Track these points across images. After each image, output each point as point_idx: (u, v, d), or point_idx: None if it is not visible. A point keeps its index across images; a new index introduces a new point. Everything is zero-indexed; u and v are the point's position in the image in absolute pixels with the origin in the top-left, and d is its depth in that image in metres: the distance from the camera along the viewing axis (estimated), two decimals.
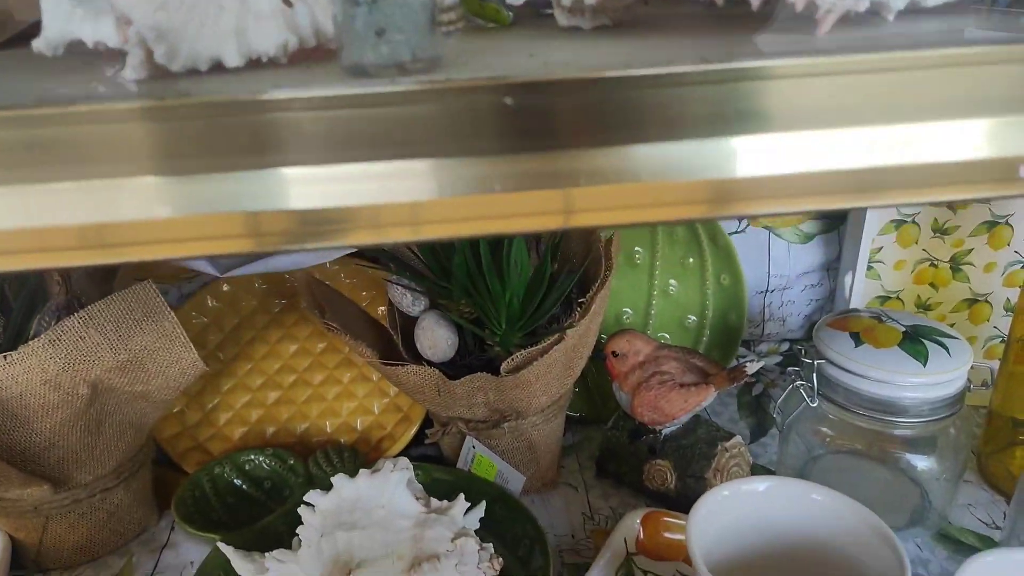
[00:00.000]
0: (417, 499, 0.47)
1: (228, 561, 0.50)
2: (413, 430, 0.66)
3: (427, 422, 0.64)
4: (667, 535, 0.53)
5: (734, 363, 0.66)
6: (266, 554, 0.48)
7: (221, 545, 0.50)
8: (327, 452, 0.62)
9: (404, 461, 0.49)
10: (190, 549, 0.57)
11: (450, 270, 0.53)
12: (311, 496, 0.47)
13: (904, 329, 0.54)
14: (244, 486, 0.61)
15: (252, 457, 0.62)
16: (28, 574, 0.55)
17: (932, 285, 0.69)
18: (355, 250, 0.63)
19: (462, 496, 0.48)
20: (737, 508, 0.44)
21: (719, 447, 0.57)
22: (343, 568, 0.42)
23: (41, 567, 0.55)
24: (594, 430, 0.69)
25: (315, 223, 0.23)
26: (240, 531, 0.54)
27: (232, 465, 0.62)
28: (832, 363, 0.53)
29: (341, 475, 0.46)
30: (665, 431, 0.59)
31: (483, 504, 0.53)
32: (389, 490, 0.45)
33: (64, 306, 0.49)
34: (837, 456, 0.57)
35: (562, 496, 0.62)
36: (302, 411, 0.68)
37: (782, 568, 0.44)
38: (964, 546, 0.54)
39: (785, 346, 0.76)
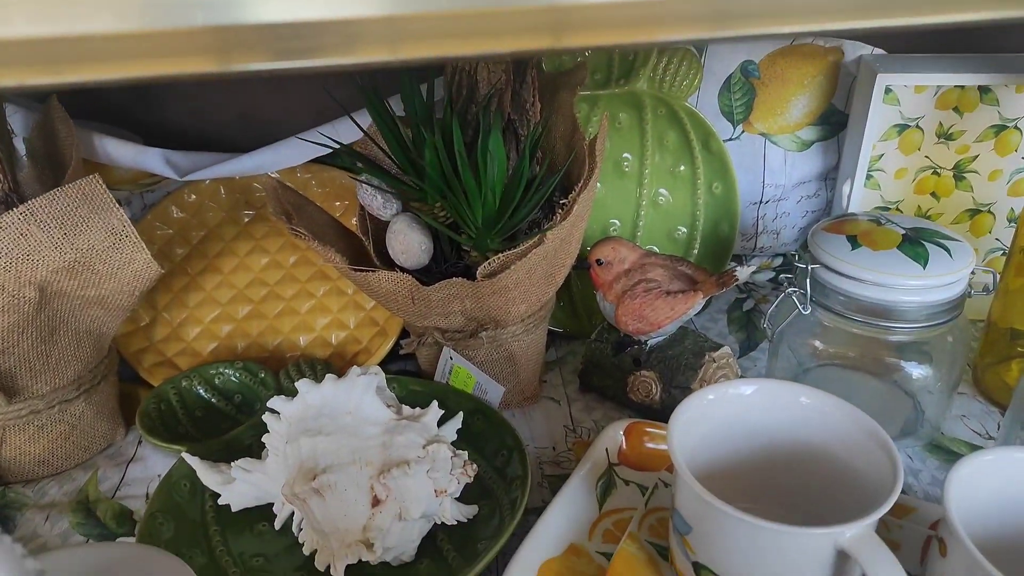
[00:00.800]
0: (388, 407, 0.45)
1: (194, 472, 0.48)
2: (389, 344, 0.63)
3: (404, 336, 0.61)
4: (650, 445, 0.51)
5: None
6: (232, 464, 0.46)
7: (186, 456, 0.48)
8: (299, 365, 0.59)
9: (374, 368, 0.46)
10: (157, 463, 0.55)
11: (422, 168, 0.49)
12: (275, 403, 0.44)
13: (904, 232, 0.51)
14: (213, 400, 0.59)
15: (221, 370, 0.60)
16: None
17: (934, 195, 0.66)
18: (326, 152, 0.59)
19: (435, 403, 0.46)
20: (722, 412, 0.41)
21: (706, 357, 0.54)
22: (308, 474, 0.40)
23: (2, 479, 0.53)
24: (578, 345, 0.67)
25: (284, 38, 0.20)
26: (206, 443, 0.51)
27: (200, 378, 0.59)
28: (827, 267, 0.50)
29: (306, 380, 0.44)
30: (651, 342, 0.56)
31: (460, 416, 0.50)
32: (356, 396, 0.43)
33: (3, 200, 0.45)
34: (828, 369, 0.55)
35: (544, 410, 0.60)
36: (274, 326, 0.65)
37: (769, 475, 0.42)
38: (956, 456, 0.52)
39: (778, 261, 0.73)
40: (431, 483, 0.42)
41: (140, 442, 0.57)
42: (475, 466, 0.43)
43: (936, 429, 0.54)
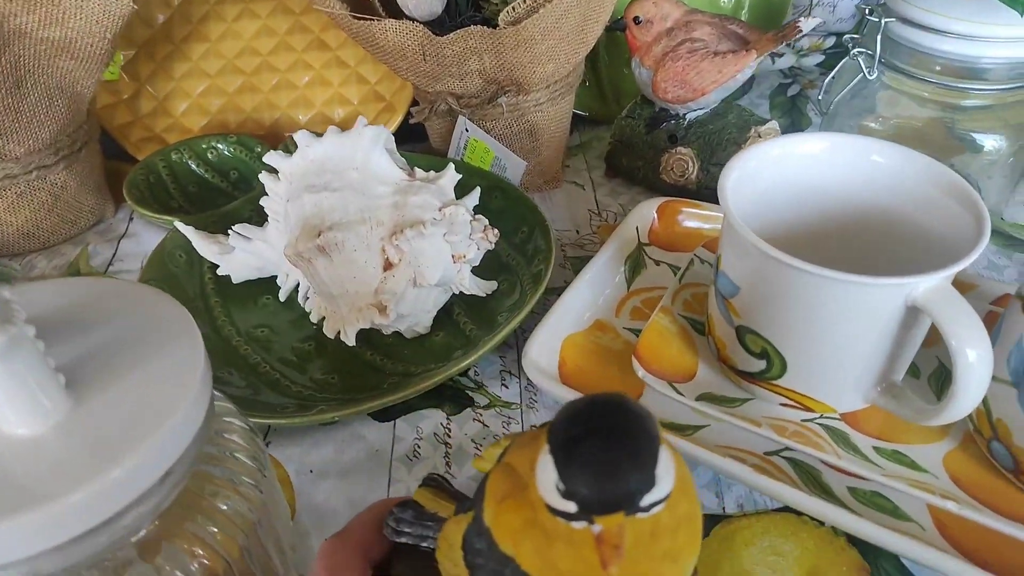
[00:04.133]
0: (400, 168, 0.40)
1: (189, 243, 0.44)
2: (398, 120, 0.57)
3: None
4: (686, 224, 0.47)
5: None
6: (229, 230, 0.42)
7: (179, 224, 0.44)
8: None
9: (381, 127, 0.41)
10: (151, 239, 0.51)
11: None
12: (271, 159, 0.39)
13: None
14: (207, 175, 0.54)
15: (214, 144, 0.55)
16: None
17: None
18: None
19: (452, 166, 0.41)
20: (783, 170, 0.36)
21: (752, 132, 0.49)
22: (313, 231, 0.36)
23: None
24: (603, 131, 0.61)
25: None
26: (201, 215, 0.47)
27: (191, 151, 0.54)
28: (905, 20, 0.43)
29: (305, 132, 0.38)
30: (690, 115, 0.51)
31: (477, 191, 0.46)
32: (363, 149, 0.38)
33: None
34: None
35: (566, 194, 0.55)
36: (270, 101, 0.59)
37: (833, 241, 0.37)
38: (1016, 241, 0.48)
39: (831, 41, 0.65)
40: (448, 247, 0.38)
41: (132, 219, 0.54)
42: (496, 231, 0.39)
43: (997, 214, 0.50)
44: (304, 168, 0.38)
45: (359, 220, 0.37)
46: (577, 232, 0.52)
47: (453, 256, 0.38)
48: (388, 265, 0.37)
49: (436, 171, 0.42)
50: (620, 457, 0.19)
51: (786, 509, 0.34)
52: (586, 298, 0.42)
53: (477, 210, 0.46)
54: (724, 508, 0.34)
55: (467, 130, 0.50)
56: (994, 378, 0.31)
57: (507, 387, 0.41)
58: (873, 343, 0.31)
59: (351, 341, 0.37)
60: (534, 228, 0.46)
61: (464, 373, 0.42)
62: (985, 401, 0.32)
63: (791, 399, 0.35)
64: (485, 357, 0.42)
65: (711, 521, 0.34)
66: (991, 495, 0.31)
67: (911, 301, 0.29)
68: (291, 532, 0.27)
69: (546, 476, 0.20)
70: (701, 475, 0.36)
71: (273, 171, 0.40)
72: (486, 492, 0.23)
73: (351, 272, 0.37)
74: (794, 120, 0.61)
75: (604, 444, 0.19)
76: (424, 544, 0.25)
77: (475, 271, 0.44)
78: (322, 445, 0.37)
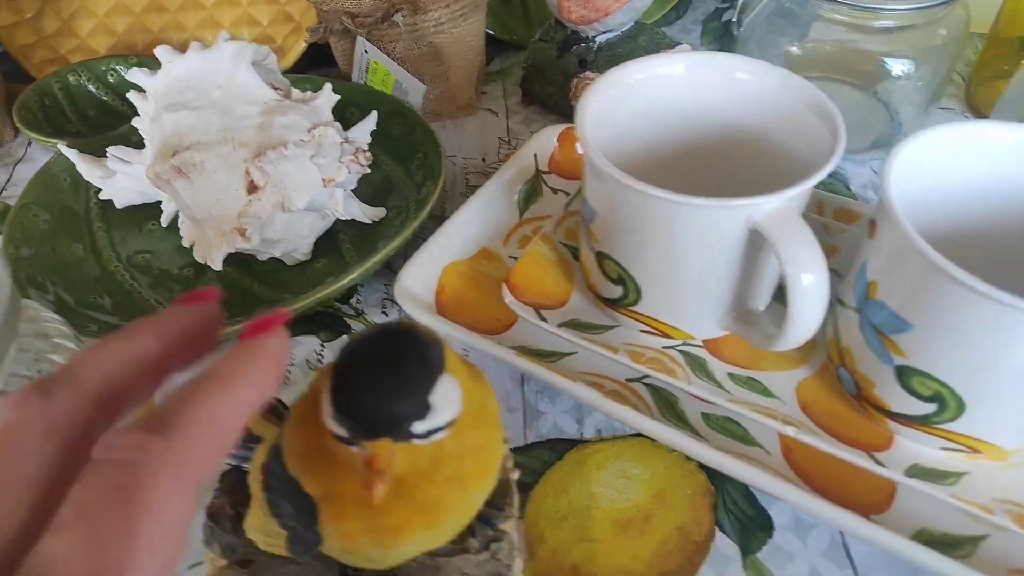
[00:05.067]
0: (275, 88, 0.39)
1: (74, 166, 0.43)
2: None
3: None
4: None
5: None
6: (107, 151, 0.41)
7: (63, 147, 0.43)
8: None
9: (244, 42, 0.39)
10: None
11: None
12: (135, 76, 0.38)
13: None
14: (107, 98, 0.53)
15: (114, 66, 0.53)
16: None
17: None
18: None
19: (329, 86, 0.40)
20: (647, 94, 0.35)
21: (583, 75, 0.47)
22: (169, 151, 0.35)
23: None
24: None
25: None
26: (90, 138, 0.46)
27: (90, 73, 0.52)
28: None
29: (166, 48, 0.37)
30: (600, 38, 0.49)
31: (373, 115, 0.44)
32: (225, 67, 0.36)
33: None
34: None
35: (479, 122, 0.54)
36: (177, 20, 0.57)
37: (698, 165, 0.36)
38: None
39: None
40: (317, 170, 0.37)
41: (30, 144, 0.52)
42: (369, 154, 0.38)
43: None
44: (167, 86, 0.37)
45: (220, 140, 0.36)
46: (483, 160, 0.50)
47: (324, 180, 0.37)
48: (253, 188, 0.36)
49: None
50: (387, 384, 0.19)
51: (641, 435, 0.34)
52: (473, 226, 0.41)
53: (376, 135, 0.45)
54: (583, 433, 0.35)
55: (367, 52, 0.48)
56: (843, 304, 0.31)
57: (387, 315, 0.40)
58: (721, 268, 0.31)
59: (217, 266, 0.37)
60: (428, 156, 0.45)
61: (346, 300, 0.41)
62: (836, 328, 0.32)
63: (651, 326, 0.34)
64: (369, 285, 0.42)
65: (568, 445, 0.34)
66: (835, 421, 0.32)
67: (752, 224, 0.28)
68: None
69: (326, 402, 0.19)
70: (566, 401, 0.36)
71: (141, 90, 0.39)
72: (288, 417, 0.23)
73: (213, 195, 0.36)
74: (724, 46, 0.59)
75: (372, 371, 0.19)
76: (245, 466, 0.25)
77: (366, 198, 0.44)
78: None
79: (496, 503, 0.26)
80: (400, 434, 0.19)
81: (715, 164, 0.36)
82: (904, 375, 0.28)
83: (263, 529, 0.23)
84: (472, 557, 0.25)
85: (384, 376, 0.19)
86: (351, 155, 0.37)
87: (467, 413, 0.21)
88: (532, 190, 0.44)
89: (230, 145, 0.36)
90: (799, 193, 0.28)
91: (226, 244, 0.36)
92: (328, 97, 0.39)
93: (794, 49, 0.47)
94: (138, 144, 0.46)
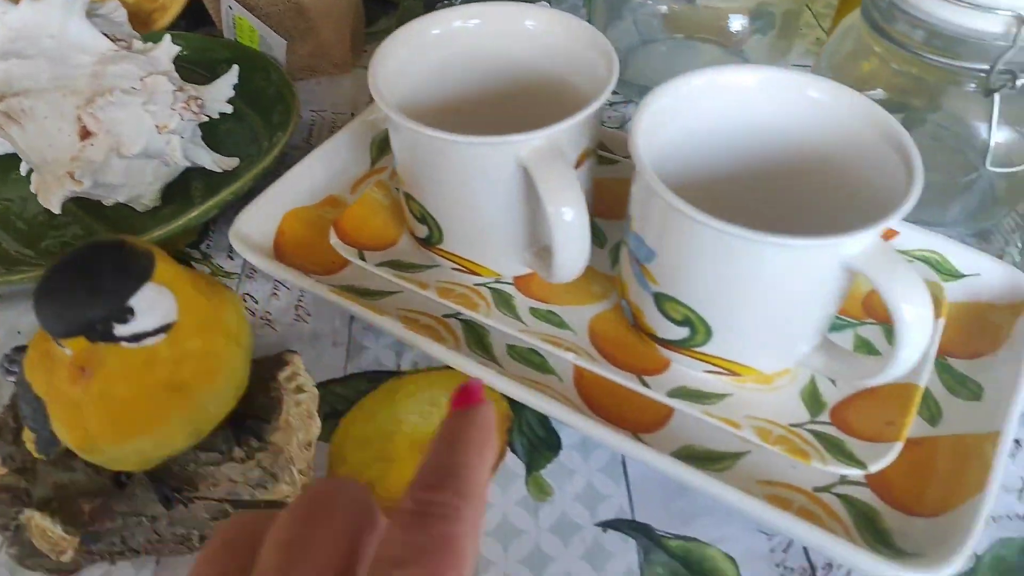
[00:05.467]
0: (116, 39, 0.40)
1: None
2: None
3: None
4: None
5: None
6: None
7: None
8: None
9: None
10: None
11: None
12: None
13: None
14: None
15: None
16: None
17: None
18: None
19: (168, 37, 0.41)
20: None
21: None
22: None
23: None
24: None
25: None
26: None
27: None
28: None
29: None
30: None
31: (235, 69, 0.46)
32: (57, 17, 0.37)
33: None
34: (669, 42, 0.50)
35: (356, 80, 0.55)
36: None
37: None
38: None
39: None
40: (150, 117, 0.38)
41: None
42: (201, 101, 0.40)
43: None
44: (2, 36, 0.38)
45: (51, 88, 0.37)
46: (352, 115, 0.52)
47: (157, 126, 0.38)
48: (86, 134, 0.37)
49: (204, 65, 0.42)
50: (76, 288, 0.21)
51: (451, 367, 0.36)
52: (319, 172, 0.43)
53: (241, 90, 0.46)
54: (399, 366, 0.37)
55: (231, 8, 0.49)
56: (623, 242, 0.33)
57: (232, 259, 0.42)
58: (504, 205, 0.33)
59: (56, 209, 0.38)
60: (289, 106, 0.46)
61: (196, 246, 0.43)
62: (620, 264, 0.34)
63: (460, 264, 0.36)
64: (219, 231, 0.44)
65: (385, 376, 0.36)
66: (618, 349, 0.34)
67: (520, 161, 0.30)
68: None
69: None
70: (387, 337, 0.38)
71: None
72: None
73: (46, 140, 0.37)
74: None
75: (65, 276, 0.21)
76: (10, 378, 0.27)
77: (229, 150, 0.45)
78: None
79: (264, 416, 0.28)
80: (95, 335, 0.21)
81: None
82: (660, 301, 0.30)
83: (27, 436, 0.25)
84: (238, 465, 0.27)
85: (72, 279, 0.21)
86: (183, 102, 0.39)
87: (188, 322, 0.23)
88: (386, 141, 0.46)
89: (61, 92, 0.37)
90: (560, 131, 0.30)
91: (61, 189, 0.37)
92: (167, 48, 0.40)
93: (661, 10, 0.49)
94: None
